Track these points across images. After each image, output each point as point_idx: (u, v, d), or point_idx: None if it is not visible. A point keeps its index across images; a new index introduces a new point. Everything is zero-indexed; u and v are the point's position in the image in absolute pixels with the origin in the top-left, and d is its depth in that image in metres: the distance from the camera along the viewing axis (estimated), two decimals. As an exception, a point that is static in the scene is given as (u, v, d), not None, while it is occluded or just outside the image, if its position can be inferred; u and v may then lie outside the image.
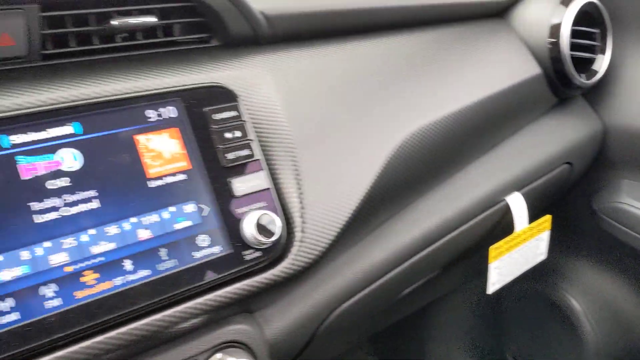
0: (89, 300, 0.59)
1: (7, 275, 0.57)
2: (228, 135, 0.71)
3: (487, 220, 1.04)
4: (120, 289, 0.61)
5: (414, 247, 0.92)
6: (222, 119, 0.71)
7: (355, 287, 0.85)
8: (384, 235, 0.89)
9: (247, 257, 0.69)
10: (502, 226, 1.08)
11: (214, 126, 0.70)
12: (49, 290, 0.58)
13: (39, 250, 0.58)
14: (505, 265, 1.07)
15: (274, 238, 0.69)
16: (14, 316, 0.56)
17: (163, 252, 0.65)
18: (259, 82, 0.78)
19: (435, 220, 0.95)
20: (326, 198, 0.77)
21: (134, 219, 0.64)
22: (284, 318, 0.78)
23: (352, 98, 0.85)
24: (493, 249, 1.03)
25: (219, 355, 0.68)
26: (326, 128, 0.81)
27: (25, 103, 0.62)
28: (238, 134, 0.71)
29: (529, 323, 1.54)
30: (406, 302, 1.27)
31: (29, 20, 0.63)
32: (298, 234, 0.73)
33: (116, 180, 0.64)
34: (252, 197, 0.71)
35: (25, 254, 0.58)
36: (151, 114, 0.67)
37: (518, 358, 1.59)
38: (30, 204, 0.59)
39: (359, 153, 0.82)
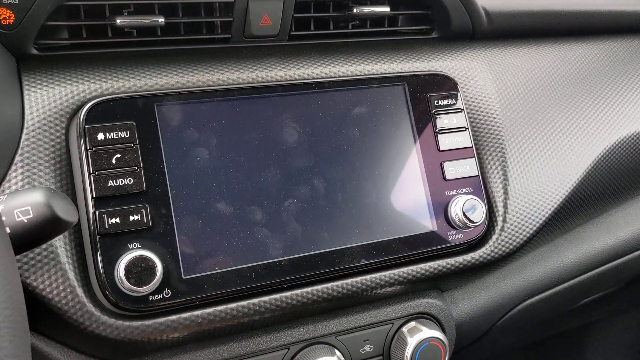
0: (314, 253, 0.67)
1: (251, 218, 0.66)
2: (446, 121, 0.75)
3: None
4: (339, 248, 0.68)
5: (605, 255, 0.90)
6: (442, 105, 0.75)
7: (542, 285, 0.86)
8: (577, 239, 0.89)
9: (450, 238, 0.73)
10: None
11: (434, 111, 0.75)
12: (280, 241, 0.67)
13: (278, 207, 0.67)
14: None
15: (477, 223, 0.73)
16: (253, 258, 0.65)
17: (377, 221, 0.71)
18: (476, 74, 0.82)
19: (631, 231, 0.93)
20: (530, 192, 0.79)
21: (355, 189, 0.71)
22: (471, 302, 0.82)
23: (565, 98, 0.86)
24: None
25: (412, 323, 0.74)
26: (537, 125, 0.83)
27: (276, 76, 0.71)
28: (455, 121, 0.76)
29: None
30: (578, 313, 1.25)
31: (286, 5, 0.72)
32: (499, 223, 0.76)
33: (347, 153, 0.71)
34: (461, 181, 0.75)
35: (267, 208, 0.67)
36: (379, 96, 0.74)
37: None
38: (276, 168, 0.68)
39: (567, 153, 0.83)
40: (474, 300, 0.82)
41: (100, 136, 0.60)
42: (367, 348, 0.72)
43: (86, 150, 0.59)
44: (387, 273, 0.70)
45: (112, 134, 0.61)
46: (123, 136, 0.61)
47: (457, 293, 0.81)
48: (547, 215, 0.79)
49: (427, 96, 0.75)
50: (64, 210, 0.49)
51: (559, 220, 0.84)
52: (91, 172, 0.59)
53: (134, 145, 0.61)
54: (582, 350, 1.52)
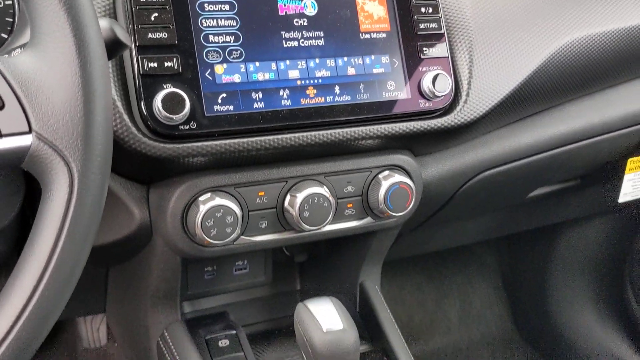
0: (309, 106, 0.84)
1: (260, 77, 0.83)
2: (423, 9, 0.91)
3: (631, 136, 1.15)
4: (329, 104, 0.85)
5: (558, 140, 1.07)
6: None
7: (501, 158, 1.03)
8: (532, 125, 1.06)
9: (421, 105, 0.90)
10: (646, 146, 1.19)
11: (415, 1, 0.90)
12: (284, 93, 0.84)
13: (282, 65, 0.84)
14: (640, 181, 1.18)
15: (444, 93, 0.89)
16: (261, 104, 0.82)
17: (361, 87, 0.87)
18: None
19: (581, 122, 1.09)
20: (491, 74, 0.95)
21: (345, 58, 0.87)
22: (438, 167, 0.99)
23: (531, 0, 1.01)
24: (631, 161, 1.15)
25: (387, 171, 0.91)
26: (502, 20, 0.98)
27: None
28: (430, 10, 0.91)
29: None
30: (541, 209, 1.43)
31: None
32: (463, 97, 0.92)
33: (338, 28, 0.87)
34: (433, 60, 0.91)
35: (273, 65, 0.83)
36: (369, -16, 0.89)
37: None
38: (282, 32, 0.84)
39: (526, 46, 0.98)
40: (440, 165, 0.99)
41: None
42: (349, 188, 0.89)
43: (131, 8, 0.75)
44: (368, 127, 0.86)
45: None
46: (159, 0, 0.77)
47: (426, 159, 0.98)
48: (504, 94, 0.95)
49: None
50: (123, 35, 0.65)
51: (516, 103, 1.00)
52: (135, 25, 0.75)
53: (168, 7, 0.77)
54: (552, 247, 1.71)
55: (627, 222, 1.65)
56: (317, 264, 1.13)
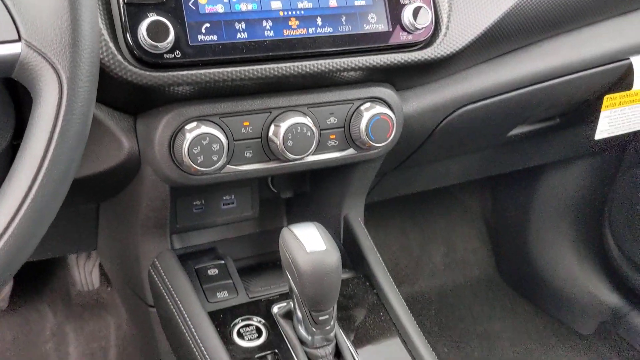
0: (291, 37, 0.86)
1: (243, 7, 0.84)
2: (403, -58, 0.92)
3: (607, 74, 1.18)
4: (312, 35, 0.87)
5: (537, 76, 1.10)
6: None
7: (480, 94, 1.06)
8: (511, 61, 1.08)
9: (402, 37, 0.92)
10: (623, 85, 1.21)
11: None
12: (267, 24, 0.85)
13: (264, -4, 0.85)
14: (616, 118, 1.22)
15: (425, 25, 0.91)
16: (244, 34, 0.84)
17: (343, 19, 0.89)
18: None
19: (559, 59, 1.12)
20: (470, 8, 0.97)
21: (327, -10, 0.88)
22: (419, 101, 1.02)
23: None
24: (608, 98, 1.18)
25: (369, 103, 0.93)
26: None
27: None
28: (411, -57, 0.92)
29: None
30: (522, 151, 1.46)
31: None
32: (443, 30, 0.94)
33: (319, -41, 0.88)
34: (413, -7, 0.92)
35: (255, -4, 0.85)
36: None
37: (623, 247, 1.72)
38: (263, -38, 0.85)
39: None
40: (421, 99, 1.02)
41: None
42: (332, 119, 0.92)
43: None
44: (349, 59, 0.88)
45: None
46: None
47: (407, 93, 1.01)
48: (484, 28, 0.97)
49: None
50: None
51: (495, 38, 1.02)
52: None
53: None
54: (533, 191, 1.76)
55: (607, 165, 1.70)
56: (303, 200, 1.16)
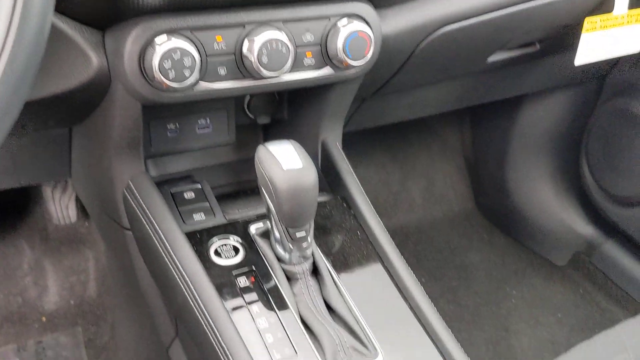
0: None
1: None
2: None
3: (588, -4, 1.16)
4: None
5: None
6: None
7: (460, 14, 1.04)
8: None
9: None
10: (603, 8, 1.20)
11: None
12: None
13: None
14: (597, 42, 1.20)
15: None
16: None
17: None
18: None
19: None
20: None
21: None
22: (397, 20, 0.99)
23: None
24: (588, 20, 1.16)
25: (346, 19, 0.90)
26: None
27: None
28: None
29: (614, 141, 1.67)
30: (502, 79, 1.45)
31: None
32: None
33: None
34: None
35: None
36: None
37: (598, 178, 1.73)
38: None
39: None
40: (399, 18, 0.99)
41: None
42: (308, 36, 0.89)
43: None
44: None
45: None
46: None
47: (386, 12, 0.98)
48: None
49: None
50: None
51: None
52: None
53: None
54: (512, 124, 1.76)
55: (585, 97, 1.70)
56: (280, 126, 1.15)
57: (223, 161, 1.17)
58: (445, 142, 1.98)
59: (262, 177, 0.82)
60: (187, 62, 0.80)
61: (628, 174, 1.59)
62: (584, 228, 1.82)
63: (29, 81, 0.53)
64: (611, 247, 1.77)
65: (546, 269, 1.86)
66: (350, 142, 1.17)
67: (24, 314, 1.46)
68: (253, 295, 0.84)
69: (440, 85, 1.37)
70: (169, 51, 0.79)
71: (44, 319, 1.47)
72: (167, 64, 0.79)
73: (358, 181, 1.02)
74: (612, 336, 1.07)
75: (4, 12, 0.49)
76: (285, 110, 1.12)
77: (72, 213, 1.52)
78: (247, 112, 1.10)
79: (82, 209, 1.53)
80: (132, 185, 0.93)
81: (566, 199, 1.85)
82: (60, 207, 1.51)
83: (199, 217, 0.95)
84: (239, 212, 0.98)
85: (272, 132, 1.17)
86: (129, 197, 0.93)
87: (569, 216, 1.84)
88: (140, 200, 0.90)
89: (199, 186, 1.01)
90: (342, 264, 0.91)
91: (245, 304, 0.83)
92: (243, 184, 1.15)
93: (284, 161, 0.81)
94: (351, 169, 1.03)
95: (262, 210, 0.97)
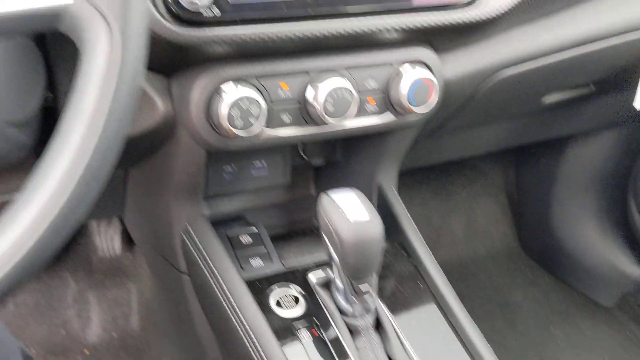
0: (332, -5, 0.82)
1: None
2: None
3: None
4: (353, -6, 0.83)
5: (578, 38, 1.06)
6: None
7: (520, 57, 1.02)
8: (554, 22, 1.04)
9: (445, -3, 0.88)
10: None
11: None
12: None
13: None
14: (657, 85, 1.18)
15: (468, -15, 0.87)
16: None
17: (385, -24, 0.85)
18: None
19: (601, 23, 1.08)
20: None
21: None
22: (458, 64, 0.98)
23: None
24: (650, 63, 1.14)
25: (409, 66, 0.90)
26: None
27: None
28: None
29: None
30: (553, 119, 1.43)
31: None
32: (485, -9, 0.90)
33: None
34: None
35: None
36: None
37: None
38: None
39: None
40: (460, 62, 0.98)
41: None
42: (371, 82, 0.88)
43: None
44: (391, 18, 0.85)
45: None
46: None
47: (447, 55, 0.97)
48: None
49: None
50: None
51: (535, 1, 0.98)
52: None
53: None
54: (558, 162, 1.73)
55: (632, 135, 1.66)
56: (333, 168, 1.14)
57: (274, 201, 1.16)
58: (487, 178, 1.95)
59: (326, 227, 0.81)
60: (253, 110, 0.80)
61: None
62: (632, 269, 1.77)
63: (121, 143, 0.52)
64: (660, 289, 1.72)
65: (592, 309, 1.81)
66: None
67: (67, 347, 1.46)
68: (315, 349, 0.83)
69: (490, 125, 1.35)
70: (237, 100, 0.79)
71: (86, 351, 1.46)
72: (235, 112, 0.79)
73: (415, 227, 1.00)
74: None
75: (99, 68, 0.49)
76: (339, 153, 1.11)
77: (116, 245, 1.52)
78: (302, 154, 1.10)
79: (126, 241, 1.53)
80: (190, 229, 0.92)
81: (613, 239, 1.80)
82: (105, 239, 1.51)
83: (256, 263, 0.94)
84: (295, 257, 0.97)
85: (325, 173, 1.16)
86: (187, 241, 0.92)
87: (616, 256, 1.79)
88: (199, 245, 0.90)
89: (255, 230, 1.00)
90: (404, 317, 0.89)
91: (308, 359, 0.81)
92: (295, 225, 1.14)
93: (350, 212, 0.79)
94: (408, 214, 1.02)
95: (319, 256, 0.96)
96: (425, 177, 1.84)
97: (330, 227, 0.80)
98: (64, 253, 1.54)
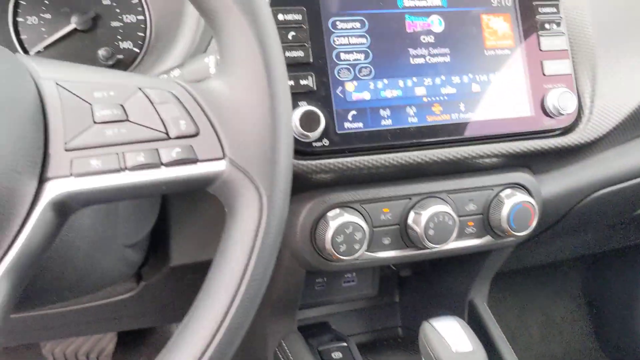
0: (435, 123, 0.84)
1: (388, 94, 0.83)
2: (547, 26, 0.90)
3: None
4: (455, 122, 0.85)
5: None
6: (546, 13, 0.89)
7: (616, 177, 1.01)
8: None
9: (545, 123, 0.88)
10: None
11: (539, 17, 0.89)
12: (411, 110, 0.84)
13: (409, 82, 0.84)
14: None
15: (569, 112, 0.88)
16: (389, 121, 0.83)
17: (486, 104, 0.87)
18: (574, -10, 0.95)
19: None
20: (614, 92, 0.93)
21: (471, 75, 0.86)
22: (555, 186, 0.98)
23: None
24: None
25: (509, 190, 0.90)
26: (624, 34, 0.96)
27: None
28: (555, 26, 0.90)
29: None
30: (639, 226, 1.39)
31: None
32: (586, 114, 0.91)
33: (464, 44, 0.86)
34: (556, 78, 0.89)
35: (400, 83, 0.84)
36: (494, 0, 0.89)
37: None
38: (409, 49, 0.84)
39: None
40: (557, 184, 0.97)
41: (280, 17, 0.77)
42: (471, 206, 0.89)
43: None
44: (492, 145, 0.86)
45: (288, 15, 0.78)
46: (296, 19, 0.78)
47: (544, 176, 0.97)
48: (628, 112, 0.93)
49: (533, 3, 0.89)
50: None
51: (638, 120, 0.97)
52: None
53: (304, 26, 0.78)
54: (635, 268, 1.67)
55: None
56: (419, 278, 1.13)
57: (356, 307, 1.16)
58: (566, 278, 1.89)
59: (428, 356, 0.80)
60: (357, 235, 0.81)
61: None
62: None
63: (261, 298, 0.54)
64: None
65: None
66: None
67: None
68: None
69: (577, 234, 1.32)
70: (342, 226, 0.80)
71: None
72: (339, 238, 0.80)
73: (508, 343, 0.98)
74: None
75: (248, 235, 0.51)
76: (427, 264, 1.11)
77: None
78: (391, 265, 1.10)
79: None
80: (284, 345, 0.92)
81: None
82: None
83: None
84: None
85: (411, 283, 1.15)
86: (280, 357, 0.92)
87: None
88: None
89: (345, 344, 0.99)
90: None
91: None
92: (380, 333, 1.13)
93: (453, 342, 0.78)
94: (502, 334, 0.99)
95: (410, 375, 0.94)
96: (499, 276, 1.80)
97: (434, 356, 0.79)
98: (140, 340, 1.56)
